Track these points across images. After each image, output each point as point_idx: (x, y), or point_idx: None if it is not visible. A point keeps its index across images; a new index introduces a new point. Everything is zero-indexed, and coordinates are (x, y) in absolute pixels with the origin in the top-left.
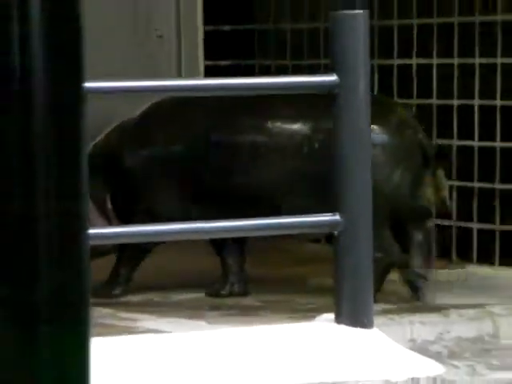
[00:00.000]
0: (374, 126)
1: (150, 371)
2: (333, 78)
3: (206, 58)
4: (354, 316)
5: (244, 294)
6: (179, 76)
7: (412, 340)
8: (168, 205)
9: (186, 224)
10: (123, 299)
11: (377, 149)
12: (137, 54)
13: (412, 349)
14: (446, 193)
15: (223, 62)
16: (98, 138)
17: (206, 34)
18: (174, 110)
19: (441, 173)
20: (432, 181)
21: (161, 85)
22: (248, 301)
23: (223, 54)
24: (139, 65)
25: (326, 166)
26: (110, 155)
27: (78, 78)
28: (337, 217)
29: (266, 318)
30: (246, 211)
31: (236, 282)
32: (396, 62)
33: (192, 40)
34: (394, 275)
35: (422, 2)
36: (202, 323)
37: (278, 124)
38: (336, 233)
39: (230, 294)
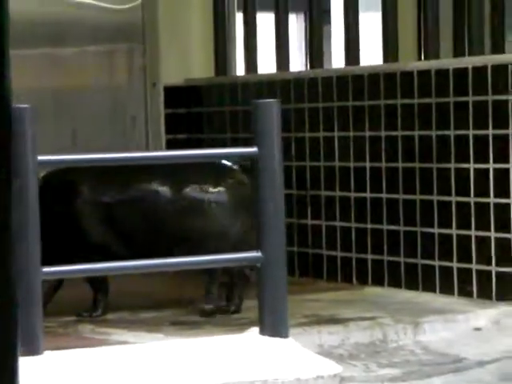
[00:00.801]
0: (219, 187)
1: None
2: (254, 149)
3: (167, 132)
4: (274, 328)
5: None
6: (146, 146)
7: (320, 345)
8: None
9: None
10: (101, 317)
11: (220, 204)
12: (113, 131)
13: (320, 353)
14: None
15: (180, 136)
16: None
17: (166, 115)
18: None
19: None
20: None
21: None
22: (197, 317)
23: (180, 130)
24: (115, 139)
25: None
26: None
27: None
28: (259, 253)
29: (208, 331)
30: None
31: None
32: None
33: (156, 120)
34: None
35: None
36: (160, 335)
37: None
38: (259, 265)
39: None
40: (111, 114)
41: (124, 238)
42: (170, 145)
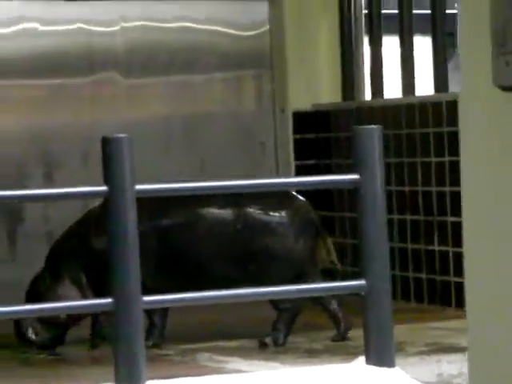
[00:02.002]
0: (282, 211)
1: None
2: (356, 176)
3: (296, 158)
4: (380, 358)
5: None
6: (277, 173)
7: (439, 374)
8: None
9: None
10: (221, 344)
11: (284, 226)
12: (242, 157)
13: (438, 382)
14: (333, 253)
15: (308, 162)
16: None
17: (295, 141)
18: None
19: (329, 239)
20: (323, 245)
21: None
22: (314, 345)
23: (309, 156)
24: (244, 166)
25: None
26: (82, 238)
27: None
28: (363, 281)
29: (324, 359)
30: (196, 275)
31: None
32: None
33: (285, 145)
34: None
35: None
36: (276, 364)
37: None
38: (363, 293)
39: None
40: (240, 141)
41: (187, 262)
42: (299, 171)
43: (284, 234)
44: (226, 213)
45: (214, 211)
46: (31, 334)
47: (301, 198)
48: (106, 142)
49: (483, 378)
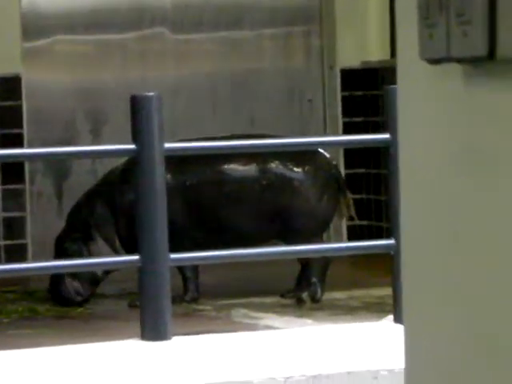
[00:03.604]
0: (305, 167)
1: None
2: (386, 135)
3: (344, 115)
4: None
5: None
6: (324, 130)
7: None
8: None
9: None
10: (257, 300)
11: (308, 182)
12: (290, 114)
13: None
14: (353, 208)
15: (356, 119)
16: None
17: (343, 98)
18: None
19: (349, 194)
20: (344, 200)
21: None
22: (351, 301)
23: (357, 113)
24: (292, 123)
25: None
26: (112, 190)
27: None
28: (392, 240)
29: (360, 317)
30: (222, 231)
31: None
32: None
33: (333, 102)
34: None
35: None
36: (309, 321)
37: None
38: (392, 252)
39: None
40: (288, 97)
41: (211, 220)
42: (347, 128)
43: (308, 190)
44: (251, 170)
45: (238, 168)
46: (68, 290)
47: (324, 153)
48: (135, 100)
49: None
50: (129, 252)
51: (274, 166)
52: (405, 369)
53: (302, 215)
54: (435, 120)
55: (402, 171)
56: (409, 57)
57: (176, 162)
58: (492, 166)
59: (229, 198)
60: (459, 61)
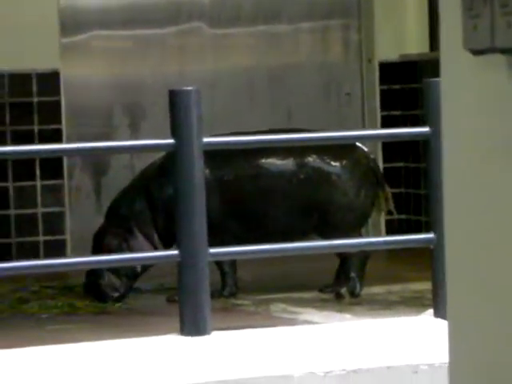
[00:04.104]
0: (343, 161)
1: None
2: (426, 129)
3: (382, 109)
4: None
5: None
6: (363, 124)
7: None
8: None
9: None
10: (296, 295)
11: (346, 176)
12: (328, 107)
13: None
14: (391, 201)
15: (395, 112)
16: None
17: (381, 92)
18: None
19: (388, 188)
20: (383, 194)
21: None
22: (390, 296)
23: (395, 106)
24: (330, 116)
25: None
26: (150, 185)
27: None
28: (432, 235)
29: (398, 311)
30: (260, 226)
31: None
32: None
33: (372, 96)
34: None
35: None
36: (348, 316)
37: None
38: (432, 246)
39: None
40: (326, 91)
41: (248, 215)
42: (385, 121)
43: (346, 184)
44: (288, 164)
45: (275, 162)
46: (105, 285)
47: (362, 147)
48: (173, 95)
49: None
50: (167, 247)
51: (312, 160)
52: (449, 363)
53: (340, 209)
54: (479, 111)
55: (445, 162)
56: (452, 48)
57: (213, 156)
58: None
59: (266, 193)
60: (503, 51)
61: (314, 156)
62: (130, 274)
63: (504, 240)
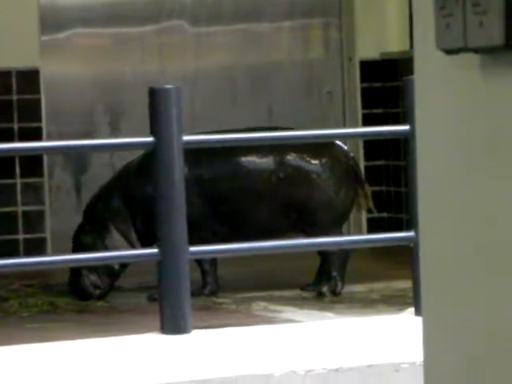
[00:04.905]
0: (323, 159)
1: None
2: (406, 127)
3: (363, 107)
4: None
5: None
6: (344, 122)
7: None
8: None
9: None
10: (277, 294)
11: (325, 174)
12: (309, 106)
13: None
14: (371, 200)
15: (376, 110)
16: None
17: (362, 90)
18: None
19: (367, 186)
20: (362, 192)
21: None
22: (371, 295)
23: (376, 104)
24: (312, 114)
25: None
26: (128, 184)
27: None
28: (412, 233)
29: (379, 309)
30: (240, 224)
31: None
32: None
33: (352, 94)
34: None
35: None
36: (330, 314)
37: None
38: (411, 244)
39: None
40: (307, 89)
41: (228, 213)
42: (367, 119)
43: (325, 182)
44: (268, 162)
45: (255, 160)
46: (87, 283)
47: (342, 145)
48: (153, 93)
49: None
50: (145, 245)
51: (291, 158)
52: (424, 361)
53: (320, 207)
54: (453, 110)
55: (419, 161)
56: (426, 47)
57: (193, 154)
58: (510, 154)
59: (246, 191)
60: (476, 51)
61: (294, 154)
62: (109, 272)
63: (479, 236)
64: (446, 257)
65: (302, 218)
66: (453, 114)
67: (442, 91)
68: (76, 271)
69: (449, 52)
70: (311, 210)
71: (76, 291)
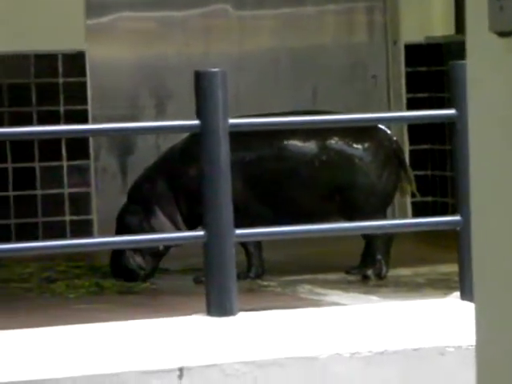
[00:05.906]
0: (366, 143)
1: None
2: (452, 111)
3: (408, 91)
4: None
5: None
6: (388, 106)
7: None
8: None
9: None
10: (322, 277)
11: (368, 158)
12: (353, 90)
13: None
14: (415, 184)
15: (420, 95)
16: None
17: (407, 74)
18: None
19: (410, 170)
20: (405, 176)
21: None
22: (416, 278)
23: (421, 89)
24: (356, 98)
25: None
26: (172, 167)
27: None
28: (458, 217)
29: (425, 293)
30: (283, 208)
31: None
32: None
33: (397, 78)
34: None
35: None
36: (375, 298)
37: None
38: (458, 228)
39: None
40: (352, 73)
41: (271, 196)
42: (411, 104)
43: (368, 166)
44: (311, 146)
45: (298, 144)
46: (132, 265)
47: (385, 129)
48: (199, 76)
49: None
50: (191, 228)
51: (334, 142)
52: (475, 346)
53: (363, 192)
54: (506, 93)
55: (472, 146)
56: (478, 30)
57: (235, 137)
58: None
59: (289, 175)
60: None
61: (337, 138)
62: (153, 253)
63: None
64: (500, 243)
65: (345, 201)
66: (506, 97)
67: (496, 75)
68: (118, 252)
69: (502, 34)
70: (354, 194)
71: (120, 272)
